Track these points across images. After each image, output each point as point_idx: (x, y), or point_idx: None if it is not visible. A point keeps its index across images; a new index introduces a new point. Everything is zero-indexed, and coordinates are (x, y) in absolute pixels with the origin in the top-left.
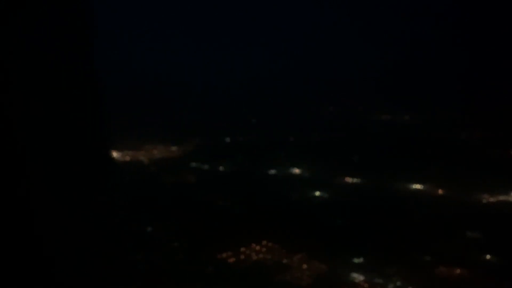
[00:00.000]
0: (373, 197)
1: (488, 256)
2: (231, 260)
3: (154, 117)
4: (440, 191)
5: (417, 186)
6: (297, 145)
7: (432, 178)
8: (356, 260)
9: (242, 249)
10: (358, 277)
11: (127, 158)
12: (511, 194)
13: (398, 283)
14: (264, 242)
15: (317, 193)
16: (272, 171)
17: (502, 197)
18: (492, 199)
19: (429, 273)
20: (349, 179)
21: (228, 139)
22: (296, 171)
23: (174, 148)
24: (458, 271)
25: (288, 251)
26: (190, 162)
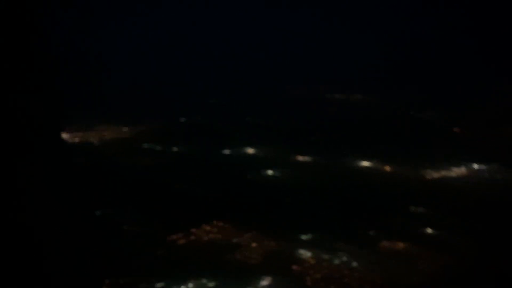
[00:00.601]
0: (323, 175)
1: (429, 230)
2: (182, 241)
3: (105, 97)
4: (387, 168)
5: (366, 163)
6: (253, 125)
7: (381, 156)
8: (303, 237)
9: (193, 230)
10: (305, 253)
11: (77, 140)
12: (453, 170)
13: (344, 258)
14: (214, 222)
15: (269, 172)
16: (227, 151)
17: (444, 172)
18: (435, 175)
19: (374, 247)
20: (301, 158)
21: (183, 119)
22: (250, 151)
23: (125, 129)
24: (401, 245)
25: (238, 230)
26: (143, 143)
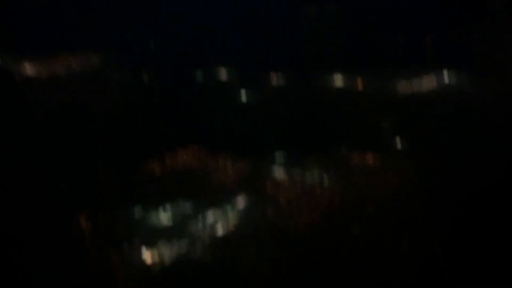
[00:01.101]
0: (299, 90)
1: (399, 144)
2: (156, 166)
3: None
4: (359, 82)
5: (339, 78)
6: (231, 41)
7: (355, 69)
8: (278, 157)
9: (168, 154)
10: (279, 173)
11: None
12: (425, 81)
13: (316, 176)
14: (189, 147)
15: (243, 93)
16: (199, 74)
17: (417, 84)
18: (409, 87)
19: (344, 164)
20: (275, 75)
21: (152, 44)
22: (223, 71)
23: (93, 55)
24: (371, 159)
25: (212, 153)
26: (113, 72)
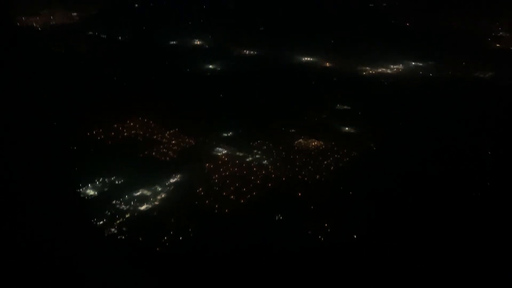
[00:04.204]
0: (263, 69)
1: (347, 128)
2: (101, 137)
3: None
4: (327, 64)
5: (308, 58)
6: (209, 13)
7: (325, 50)
8: (224, 134)
9: (115, 125)
10: (221, 150)
11: (17, 24)
12: (390, 66)
13: (257, 156)
14: (139, 118)
15: (211, 66)
16: (173, 42)
17: (381, 69)
18: (372, 71)
19: (289, 144)
20: (246, 51)
21: (137, 4)
22: (198, 42)
23: (74, 14)
24: (315, 142)
25: (161, 127)
26: (89, 30)
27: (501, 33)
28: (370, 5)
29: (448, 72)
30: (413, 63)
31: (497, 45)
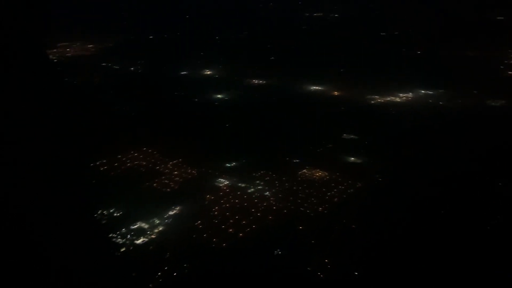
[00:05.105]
0: (271, 98)
1: (352, 158)
2: (104, 167)
3: (79, 12)
4: (335, 93)
5: (316, 87)
6: (221, 44)
7: (334, 80)
8: (228, 165)
9: (119, 156)
10: (223, 182)
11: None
12: (399, 95)
13: (259, 187)
14: (144, 149)
15: (219, 96)
16: (184, 72)
17: (390, 98)
18: (380, 100)
19: (292, 175)
20: (255, 81)
21: (151, 36)
22: (208, 72)
23: (90, 46)
24: (319, 173)
25: (164, 158)
26: (102, 61)
27: None
28: (382, 33)
29: (458, 101)
30: (423, 92)
31: (509, 73)
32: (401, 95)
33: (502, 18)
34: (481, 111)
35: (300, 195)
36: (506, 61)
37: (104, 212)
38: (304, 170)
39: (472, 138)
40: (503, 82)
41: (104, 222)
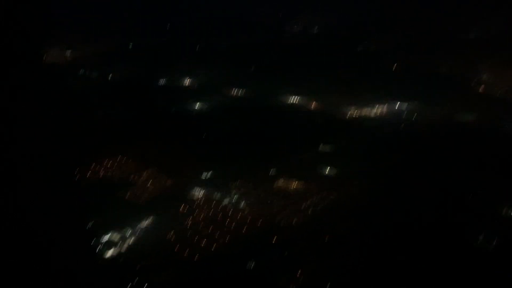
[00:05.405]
0: (249, 108)
1: (328, 170)
2: (77, 177)
3: (57, 16)
4: (313, 104)
5: (294, 98)
6: (202, 52)
7: (312, 91)
8: (204, 175)
9: (93, 165)
10: (198, 192)
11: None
12: (375, 107)
13: (235, 198)
14: (118, 158)
15: (198, 105)
16: (163, 81)
17: (366, 110)
18: (357, 113)
19: (268, 186)
20: (234, 90)
21: (131, 44)
22: (188, 81)
23: (68, 52)
24: (295, 184)
25: (138, 167)
26: (79, 68)
27: (485, 76)
28: (359, 48)
29: (432, 114)
30: (398, 104)
31: (481, 88)
32: (377, 107)
33: (474, 35)
34: (454, 125)
35: (275, 206)
36: (478, 77)
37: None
38: (280, 181)
39: (445, 151)
40: (474, 98)
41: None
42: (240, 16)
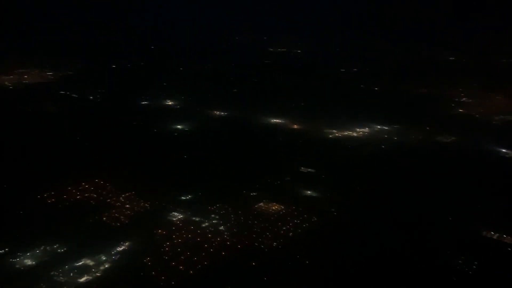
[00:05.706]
0: (230, 130)
1: (309, 192)
2: (51, 200)
3: (39, 37)
4: (295, 126)
5: (277, 120)
6: (186, 73)
7: (295, 113)
8: (183, 197)
9: (69, 187)
10: (177, 215)
11: None
12: (356, 130)
13: (214, 221)
14: (96, 180)
15: (179, 126)
16: (145, 102)
17: (347, 132)
18: (338, 135)
19: (248, 209)
20: (217, 112)
21: (114, 65)
22: (169, 102)
23: (50, 73)
24: (275, 207)
25: (116, 190)
26: (60, 89)
27: (464, 99)
28: (342, 70)
29: (412, 136)
30: (379, 127)
31: (460, 110)
32: (357, 129)
33: (453, 58)
34: (433, 146)
35: (255, 229)
36: (456, 99)
37: (47, 248)
38: (261, 204)
39: (423, 171)
40: (453, 119)
41: (46, 259)
42: (222, 40)
